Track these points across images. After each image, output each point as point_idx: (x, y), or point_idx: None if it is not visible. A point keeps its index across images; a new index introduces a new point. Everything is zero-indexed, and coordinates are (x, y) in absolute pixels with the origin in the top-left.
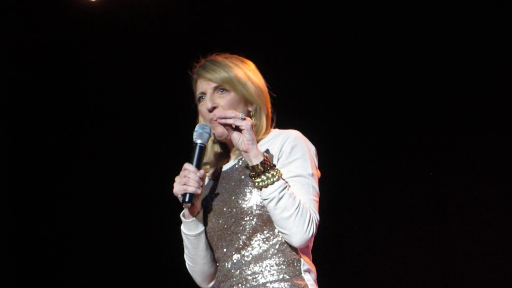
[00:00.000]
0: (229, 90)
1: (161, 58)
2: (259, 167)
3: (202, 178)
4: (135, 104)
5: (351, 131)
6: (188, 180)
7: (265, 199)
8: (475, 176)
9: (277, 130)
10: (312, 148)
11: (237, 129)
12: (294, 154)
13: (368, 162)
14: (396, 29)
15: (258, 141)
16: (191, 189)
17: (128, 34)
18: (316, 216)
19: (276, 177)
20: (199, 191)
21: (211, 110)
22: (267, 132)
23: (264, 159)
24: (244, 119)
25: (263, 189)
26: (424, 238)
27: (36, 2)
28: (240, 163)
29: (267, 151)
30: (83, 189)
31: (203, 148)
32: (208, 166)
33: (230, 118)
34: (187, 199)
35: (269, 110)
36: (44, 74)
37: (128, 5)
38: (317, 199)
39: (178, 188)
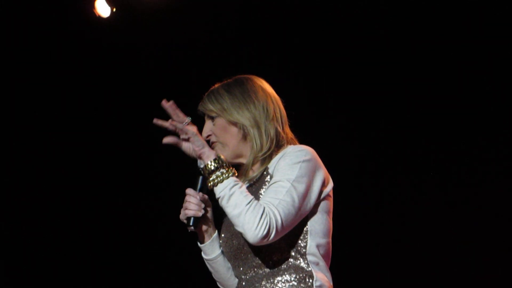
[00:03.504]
0: (216, 117)
1: (166, 68)
2: (209, 165)
3: (204, 202)
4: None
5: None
6: (188, 204)
7: (217, 198)
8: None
9: (291, 146)
10: (318, 164)
11: (187, 139)
12: (282, 164)
13: (371, 165)
14: (396, 28)
15: (268, 159)
16: (191, 212)
17: (140, 49)
18: (273, 214)
19: (227, 175)
20: (199, 214)
21: (207, 139)
22: (278, 149)
23: (215, 158)
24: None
25: (214, 188)
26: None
27: (51, 20)
28: (251, 183)
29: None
30: (83, 188)
31: None
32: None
33: (178, 128)
34: (191, 223)
35: (275, 126)
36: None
37: (140, 20)
38: (289, 200)
39: (181, 213)
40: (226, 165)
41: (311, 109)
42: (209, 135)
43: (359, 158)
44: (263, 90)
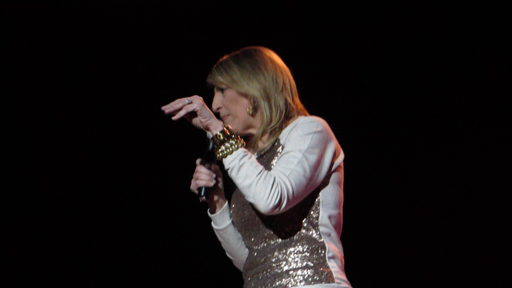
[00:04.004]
0: (226, 89)
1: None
2: (219, 136)
3: (215, 172)
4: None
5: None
6: (199, 175)
7: (227, 169)
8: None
9: (302, 117)
10: (330, 135)
11: (193, 113)
12: (294, 135)
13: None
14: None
15: (278, 130)
16: (202, 182)
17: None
18: (284, 184)
19: (236, 146)
20: (211, 184)
21: (216, 111)
22: (288, 120)
23: (223, 129)
24: (191, 102)
25: (224, 159)
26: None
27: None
28: (262, 153)
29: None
30: (84, 188)
31: None
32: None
33: (178, 108)
34: (202, 193)
35: (284, 97)
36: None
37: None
38: (301, 171)
39: (192, 184)
40: (234, 136)
41: (320, 79)
42: (219, 108)
43: (370, 128)
44: (272, 61)
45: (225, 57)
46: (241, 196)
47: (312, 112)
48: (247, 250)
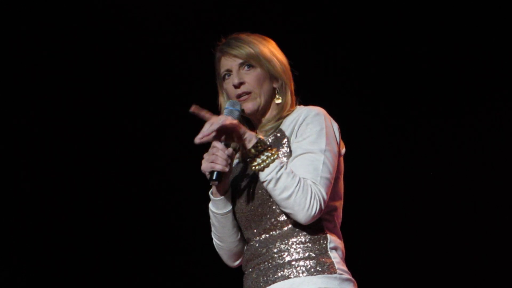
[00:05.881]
0: (255, 66)
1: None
2: (252, 151)
3: (230, 157)
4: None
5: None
6: (216, 158)
7: (263, 181)
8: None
9: (301, 106)
10: (330, 124)
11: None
12: (308, 131)
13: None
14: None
15: (283, 119)
16: (218, 167)
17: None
18: (320, 193)
19: (272, 158)
20: (226, 169)
21: (238, 86)
22: (292, 108)
23: (257, 142)
24: (224, 123)
25: (260, 172)
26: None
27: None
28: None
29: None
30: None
31: None
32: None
33: (210, 133)
34: (214, 177)
35: (292, 87)
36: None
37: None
38: (328, 175)
39: (206, 165)
40: (268, 147)
41: (312, 69)
42: (242, 83)
43: (366, 116)
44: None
45: (242, 35)
46: (244, 185)
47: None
48: (239, 237)
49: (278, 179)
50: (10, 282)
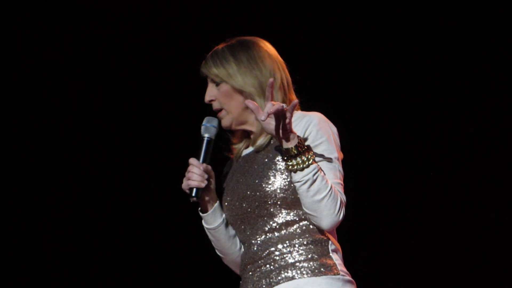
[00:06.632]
0: (220, 82)
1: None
2: (293, 150)
3: (207, 172)
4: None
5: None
6: (192, 175)
7: (297, 182)
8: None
9: (299, 112)
10: (334, 130)
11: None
12: (319, 138)
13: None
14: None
15: None
16: (193, 183)
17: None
18: (344, 200)
19: (311, 160)
20: (202, 185)
21: (209, 103)
22: None
23: (299, 142)
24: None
25: (296, 172)
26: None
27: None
28: (258, 150)
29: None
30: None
31: (210, 142)
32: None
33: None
34: (193, 194)
35: (281, 94)
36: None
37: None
38: (342, 182)
39: (184, 183)
40: (307, 149)
41: (314, 72)
42: (212, 100)
43: (366, 116)
44: (270, 55)
45: (220, 46)
46: (240, 187)
47: (307, 107)
48: (238, 247)
49: (314, 181)
50: (10, 282)
